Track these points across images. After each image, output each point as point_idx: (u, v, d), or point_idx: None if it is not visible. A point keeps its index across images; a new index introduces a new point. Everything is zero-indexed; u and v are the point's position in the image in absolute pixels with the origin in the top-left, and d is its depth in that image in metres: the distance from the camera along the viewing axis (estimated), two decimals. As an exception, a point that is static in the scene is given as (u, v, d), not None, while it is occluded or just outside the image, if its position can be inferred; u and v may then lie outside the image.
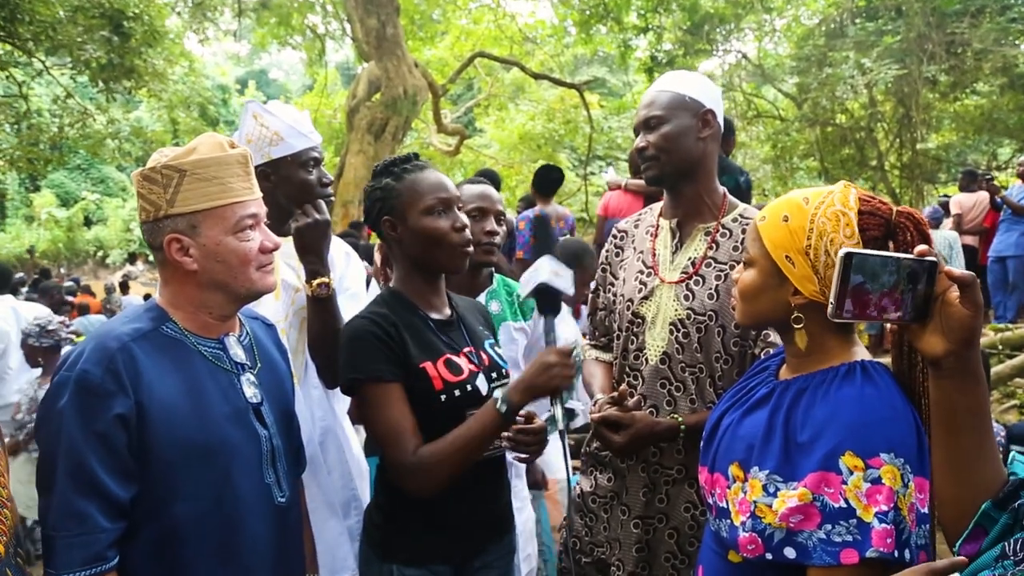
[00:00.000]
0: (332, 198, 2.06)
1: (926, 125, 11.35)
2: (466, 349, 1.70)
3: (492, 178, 4.33)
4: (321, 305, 1.88)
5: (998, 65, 9.65)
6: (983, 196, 7.91)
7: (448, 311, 1.75)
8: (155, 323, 1.38)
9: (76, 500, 1.23)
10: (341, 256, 2.16)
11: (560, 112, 15.10)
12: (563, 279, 1.57)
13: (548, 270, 1.55)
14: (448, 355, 1.65)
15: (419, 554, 1.64)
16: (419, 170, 1.70)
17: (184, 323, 1.41)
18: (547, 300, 1.58)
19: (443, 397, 1.60)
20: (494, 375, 1.72)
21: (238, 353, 1.47)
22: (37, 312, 4.77)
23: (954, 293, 0.99)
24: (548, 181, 5.44)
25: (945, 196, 9.92)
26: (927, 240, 1.19)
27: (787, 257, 1.21)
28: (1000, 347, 6.09)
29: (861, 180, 11.85)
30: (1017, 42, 9.64)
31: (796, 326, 1.24)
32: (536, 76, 13.11)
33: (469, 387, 1.64)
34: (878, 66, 9.43)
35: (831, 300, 1.03)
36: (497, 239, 2.17)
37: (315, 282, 1.89)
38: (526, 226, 5.11)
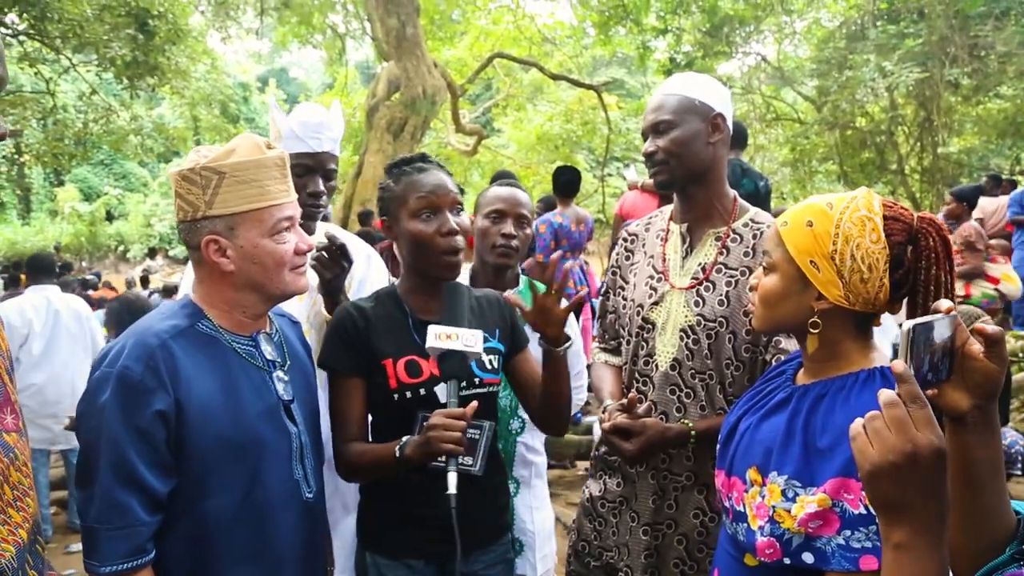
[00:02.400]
0: (317, 209, 2.02)
1: (947, 129, 11.24)
2: None
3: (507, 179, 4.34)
4: None
5: (1023, 68, 9.54)
6: (1005, 201, 7.83)
7: (438, 315, 1.71)
8: (191, 320, 1.41)
9: (118, 493, 1.26)
10: (362, 259, 2.15)
11: (578, 113, 15.08)
12: (454, 340, 1.52)
13: (433, 336, 1.52)
14: (414, 356, 1.66)
15: (392, 546, 1.67)
16: (417, 172, 1.68)
17: (218, 320, 1.43)
18: (446, 364, 1.53)
19: (395, 396, 1.63)
20: (463, 384, 1.65)
21: (270, 350, 1.50)
22: (72, 304, 4.87)
23: (977, 347, 0.97)
24: (566, 183, 5.46)
25: (965, 201, 9.80)
26: (948, 245, 1.19)
27: (812, 262, 1.22)
28: (1020, 355, 6.02)
29: (881, 184, 11.76)
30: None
31: (812, 331, 1.24)
32: (554, 77, 13.10)
33: (423, 391, 1.64)
34: (899, 69, 9.35)
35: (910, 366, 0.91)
36: (514, 243, 2.13)
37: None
38: (547, 229, 5.11)
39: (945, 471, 0.83)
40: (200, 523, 1.34)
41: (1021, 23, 9.58)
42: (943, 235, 1.20)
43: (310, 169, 1.99)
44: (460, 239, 1.66)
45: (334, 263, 1.87)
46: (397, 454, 1.52)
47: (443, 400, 1.63)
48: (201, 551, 1.35)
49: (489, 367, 1.73)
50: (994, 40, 9.50)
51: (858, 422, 0.87)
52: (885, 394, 0.85)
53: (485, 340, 1.70)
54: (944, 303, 0.98)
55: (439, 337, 1.51)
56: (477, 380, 1.71)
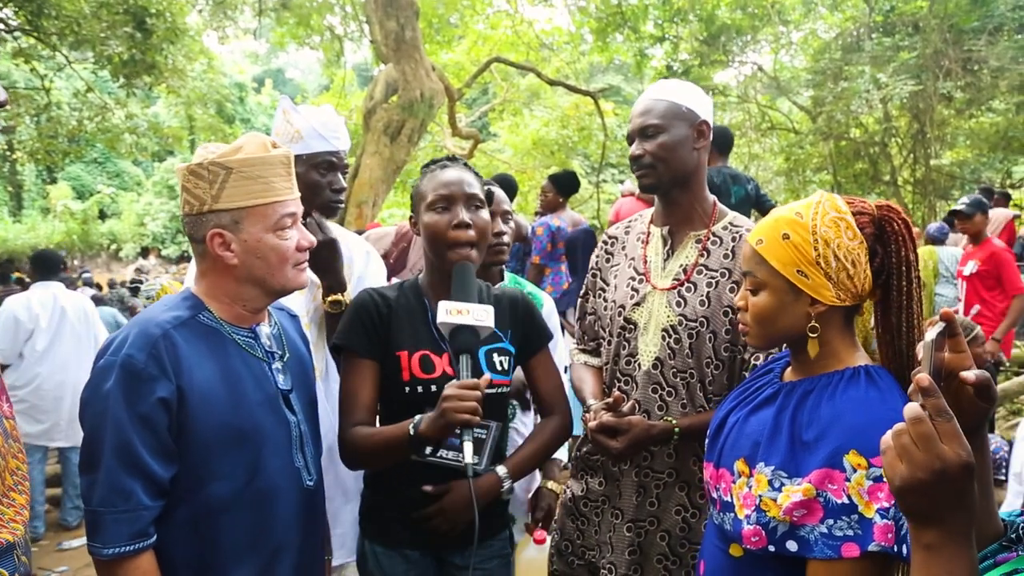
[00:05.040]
0: (340, 204, 2.09)
1: (940, 141, 11.34)
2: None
3: (508, 183, 4.37)
4: (336, 319, 1.93)
5: (1015, 83, 9.64)
6: (999, 212, 7.88)
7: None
8: (193, 311, 1.44)
9: (122, 478, 1.29)
10: (361, 255, 2.20)
11: (574, 119, 15.14)
12: (465, 315, 1.54)
13: (443, 311, 1.53)
14: (428, 351, 1.68)
15: (389, 537, 1.71)
16: (440, 169, 1.72)
17: (219, 313, 1.47)
18: (456, 340, 1.54)
19: (406, 389, 1.65)
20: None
21: (268, 342, 1.53)
22: (78, 302, 4.87)
23: (972, 376, 1.00)
24: (571, 185, 5.53)
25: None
26: (908, 227, 1.27)
27: (799, 271, 1.26)
28: (1008, 363, 6.08)
29: (874, 195, 11.84)
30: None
31: (812, 335, 1.28)
32: (551, 83, 13.15)
33: (434, 387, 1.64)
34: (894, 81, 9.42)
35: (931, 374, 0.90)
36: (505, 239, 2.21)
37: (328, 299, 1.96)
38: (544, 232, 5.16)
39: (973, 482, 0.84)
40: (202, 509, 1.37)
41: (1014, 38, 9.68)
42: (903, 218, 1.27)
43: (333, 166, 2.05)
44: (472, 232, 1.66)
45: (322, 228, 1.94)
46: (411, 431, 1.51)
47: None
48: (203, 537, 1.38)
49: (499, 368, 1.74)
50: (987, 55, 9.60)
51: (888, 436, 0.88)
52: (911, 408, 0.85)
53: (497, 340, 1.74)
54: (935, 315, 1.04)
55: (450, 312, 1.53)
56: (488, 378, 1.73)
